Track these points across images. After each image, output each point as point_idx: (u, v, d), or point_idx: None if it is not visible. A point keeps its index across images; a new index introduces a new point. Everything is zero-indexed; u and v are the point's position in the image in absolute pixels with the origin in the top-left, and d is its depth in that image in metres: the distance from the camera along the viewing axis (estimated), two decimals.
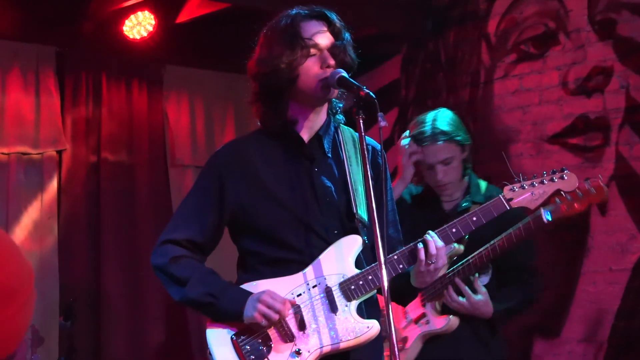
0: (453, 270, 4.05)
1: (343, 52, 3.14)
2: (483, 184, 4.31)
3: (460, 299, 4.05)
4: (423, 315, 4.15)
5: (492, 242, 3.98)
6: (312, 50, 3.09)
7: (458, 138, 4.16)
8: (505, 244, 3.96)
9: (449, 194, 4.27)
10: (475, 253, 4.01)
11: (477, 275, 4.11)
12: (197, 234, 3.19)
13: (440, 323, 4.11)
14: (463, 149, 4.18)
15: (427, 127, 4.15)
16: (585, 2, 5.53)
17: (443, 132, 4.14)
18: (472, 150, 4.23)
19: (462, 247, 4.01)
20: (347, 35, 3.19)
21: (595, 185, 3.77)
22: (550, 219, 3.82)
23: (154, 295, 5.82)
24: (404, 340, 4.19)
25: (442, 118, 4.20)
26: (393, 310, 4.11)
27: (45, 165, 5.77)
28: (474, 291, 4.01)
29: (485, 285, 4.12)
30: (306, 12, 3.18)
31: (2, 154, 5.62)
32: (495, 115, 5.92)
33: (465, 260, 4.03)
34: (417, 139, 4.19)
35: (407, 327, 4.20)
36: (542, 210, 3.84)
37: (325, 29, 3.15)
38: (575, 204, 3.80)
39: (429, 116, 4.22)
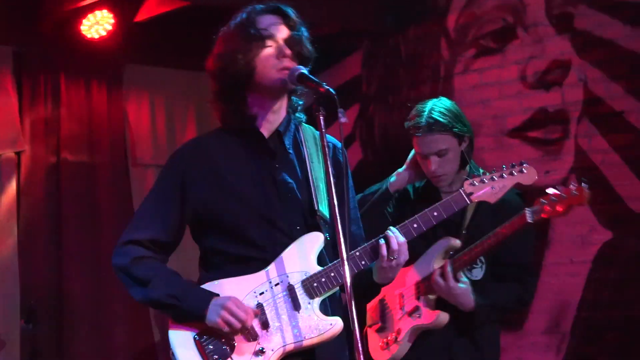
0: (451, 262, 4.04)
1: (299, 43, 3.16)
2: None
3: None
4: (416, 309, 4.14)
5: (482, 238, 4.00)
6: (268, 42, 3.11)
7: (455, 129, 4.12)
8: (492, 241, 3.98)
9: (446, 186, 4.24)
10: (466, 249, 4.04)
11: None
12: (158, 234, 3.19)
13: (430, 318, 4.11)
14: (460, 140, 4.14)
15: (423, 117, 4.11)
16: None
17: (438, 123, 4.10)
18: (471, 142, 4.20)
19: (458, 242, 4.08)
20: (303, 29, 3.21)
21: (578, 188, 3.76)
22: (532, 220, 3.86)
23: (117, 295, 5.77)
24: (398, 332, 4.19)
25: (439, 108, 4.15)
26: (390, 301, 4.15)
27: (3, 166, 5.73)
28: (457, 281, 4.01)
29: (477, 280, 4.14)
30: (261, 7, 3.20)
31: None
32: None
33: (458, 253, 4.05)
34: (414, 128, 4.17)
35: (402, 318, 4.19)
36: (526, 210, 3.88)
37: (280, 22, 3.18)
38: (557, 206, 3.84)
39: (427, 105, 4.18)
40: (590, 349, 5.27)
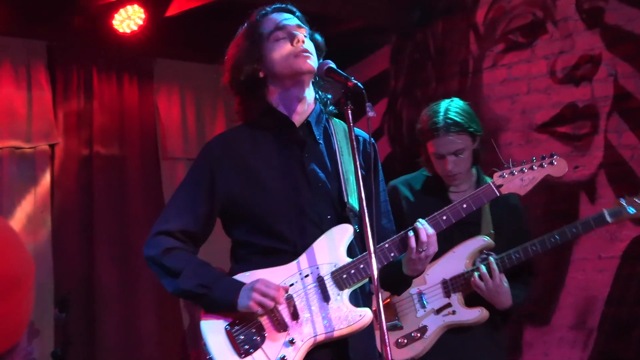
0: (486, 260, 4.05)
1: (314, 38, 3.24)
2: (489, 180, 4.30)
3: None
4: (448, 305, 4.14)
5: (541, 239, 3.99)
6: (279, 34, 3.17)
7: (470, 129, 4.13)
8: (559, 243, 3.99)
9: (457, 185, 4.25)
10: (518, 248, 4.02)
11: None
12: (189, 225, 3.21)
13: (472, 314, 4.12)
14: (474, 139, 4.14)
15: (440, 118, 4.11)
16: None
17: (456, 123, 4.11)
18: (482, 141, 4.18)
19: (492, 242, 4.10)
20: (317, 36, 3.28)
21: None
22: (612, 221, 3.88)
23: (147, 285, 5.85)
24: (423, 329, 4.17)
25: (454, 108, 4.15)
26: (403, 299, 4.15)
27: (37, 159, 5.78)
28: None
29: None
30: (268, 9, 3.26)
31: None
32: (484, 105, 5.91)
33: (508, 253, 4.03)
34: (430, 129, 4.15)
35: (427, 316, 4.18)
36: (605, 212, 3.89)
37: (290, 16, 3.24)
38: (619, 217, 3.89)
39: (442, 106, 4.17)
40: (617, 345, 5.25)
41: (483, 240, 4.08)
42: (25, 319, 1.43)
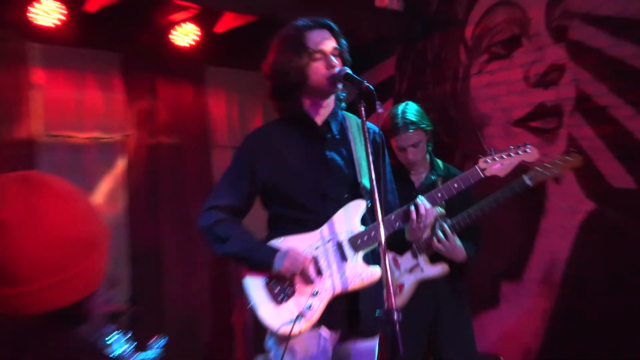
0: (440, 225, 4.15)
1: (342, 54, 3.27)
2: (440, 162, 4.41)
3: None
4: (417, 265, 4.25)
5: (480, 204, 4.12)
6: (318, 55, 3.20)
7: (423, 126, 4.25)
8: (492, 207, 4.10)
9: (416, 170, 4.33)
10: (463, 213, 4.14)
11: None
12: (234, 201, 3.30)
13: (436, 270, 4.24)
14: (427, 133, 4.25)
15: (399, 119, 4.23)
16: (543, 12, 5.54)
17: (412, 122, 4.23)
18: (433, 134, 4.33)
19: (442, 210, 4.20)
20: (343, 41, 3.31)
21: (573, 155, 4.00)
22: (530, 184, 3.98)
23: (200, 248, 5.95)
24: (400, 287, 4.26)
25: (409, 111, 4.29)
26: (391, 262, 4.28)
27: (114, 147, 5.89)
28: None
29: None
30: (310, 23, 3.27)
31: (82, 138, 5.72)
32: (471, 104, 6.00)
33: (457, 218, 4.15)
34: (392, 128, 4.25)
35: (402, 276, 4.24)
36: (524, 177, 3.98)
37: (328, 35, 3.25)
38: (555, 170, 4.00)
39: (399, 109, 4.31)
40: (573, 296, 5.34)
41: (436, 210, 4.09)
42: (101, 273, 1.45)
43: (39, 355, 1.33)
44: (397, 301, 4.20)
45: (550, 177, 4.05)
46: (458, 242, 4.17)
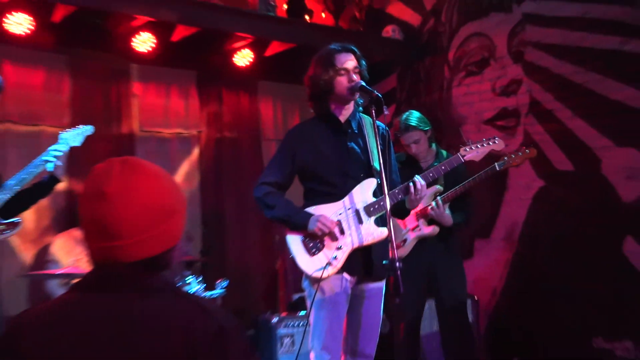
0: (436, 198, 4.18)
1: (362, 71, 3.27)
2: (444, 152, 4.48)
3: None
4: (417, 226, 4.25)
5: (462, 184, 4.13)
6: (342, 72, 3.20)
7: (421, 127, 4.30)
8: (471, 185, 4.12)
9: (423, 159, 4.38)
10: (451, 190, 4.15)
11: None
12: (279, 179, 3.31)
13: (429, 230, 4.23)
14: (426, 132, 4.29)
15: (402, 124, 4.29)
16: (506, 41, 5.57)
17: (412, 126, 4.28)
18: (434, 132, 4.39)
19: (441, 187, 4.23)
20: (363, 61, 3.30)
21: (530, 149, 4.04)
22: (499, 169, 4.03)
23: (254, 214, 5.86)
24: (404, 241, 4.27)
25: (411, 117, 4.32)
26: (397, 224, 4.27)
27: (191, 140, 5.91)
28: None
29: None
30: (338, 48, 3.27)
31: (168, 133, 5.77)
32: (453, 109, 6.00)
33: (447, 192, 4.16)
34: (400, 130, 4.31)
35: (406, 233, 4.26)
36: (495, 164, 4.03)
37: (351, 57, 3.24)
38: (517, 160, 4.03)
39: (404, 116, 4.34)
40: (528, 250, 5.38)
41: (436, 187, 4.20)
42: (180, 232, 1.44)
43: (133, 292, 1.33)
44: (401, 252, 4.26)
45: (513, 165, 4.10)
46: (447, 211, 4.20)
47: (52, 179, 3.35)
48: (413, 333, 4.48)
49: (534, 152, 4.09)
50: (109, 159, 1.43)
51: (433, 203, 4.16)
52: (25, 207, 3.32)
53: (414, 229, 4.27)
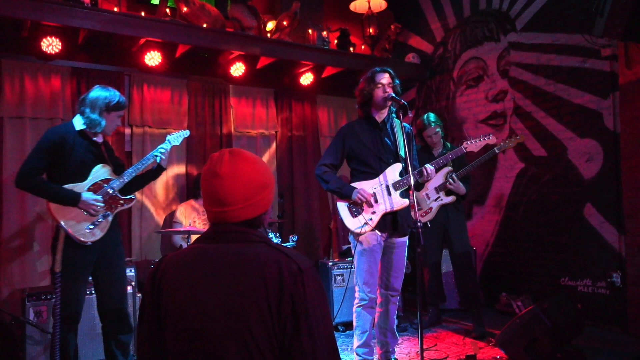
0: (450, 176, 4.16)
1: (395, 86, 3.25)
2: (448, 144, 4.47)
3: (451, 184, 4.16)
4: (439, 197, 4.21)
5: (472, 164, 4.13)
6: (379, 85, 3.20)
7: (438, 123, 4.28)
8: (478, 165, 4.13)
9: (436, 148, 4.35)
10: (463, 169, 4.15)
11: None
12: (333, 161, 3.29)
13: (449, 199, 4.22)
14: (440, 127, 4.28)
15: (425, 121, 4.27)
16: (495, 62, 5.44)
17: (433, 121, 4.25)
18: (443, 128, 4.39)
19: (451, 168, 4.21)
20: (397, 79, 3.29)
21: (520, 136, 4.04)
22: (498, 152, 4.05)
23: (315, 187, 5.91)
24: (429, 209, 4.23)
25: (431, 116, 4.30)
26: (422, 195, 4.33)
27: (270, 137, 5.86)
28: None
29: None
30: (379, 69, 3.26)
31: (254, 132, 5.70)
32: (457, 112, 5.88)
33: (459, 172, 4.16)
34: (423, 126, 4.30)
35: (431, 203, 4.21)
36: (494, 148, 4.02)
37: (387, 76, 3.23)
38: (511, 144, 4.02)
39: (425, 116, 4.33)
40: (511, 213, 5.27)
41: (447, 168, 4.19)
42: (270, 201, 1.42)
43: (239, 242, 1.35)
44: (429, 217, 4.26)
45: (508, 148, 4.09)
46: (461, 184, 4.20)
47: (159, 168, 3.32)
48: (437, 272, 4.46)
49: (523, 137, 4.08)
50: (221, 149, 1.42)
51: (450, 179, 4.12)
52: (138, 188, 3.28)
53: (436, 199, 4.22)
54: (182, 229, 3.98)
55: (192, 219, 4.73)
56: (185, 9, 4.63)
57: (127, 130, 4.89)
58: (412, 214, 3.26)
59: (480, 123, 5.58)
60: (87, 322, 3.49)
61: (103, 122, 2.97)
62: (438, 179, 4.23)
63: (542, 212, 4.93)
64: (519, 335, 3.25)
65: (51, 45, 4.29)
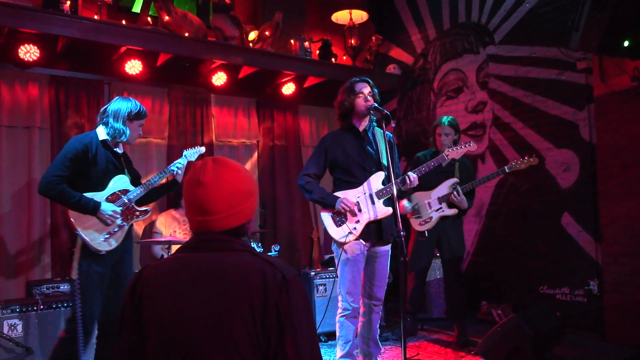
0: (455, 188, 4.04)
1: (374, 95, 3.24)
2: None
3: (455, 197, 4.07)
4: (440, 208, 4.10)
5: (478, 180, 4.03)
6: (360, 95, 3.19)
7: (454, 125, 4.26)
8: (484, 182, 4.06)
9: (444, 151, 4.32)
10: (469, 184, 4.04)
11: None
12: (316, 171, 3.28)
13: (451, 211, 4.10)
14: (455, 133, 4.25)
15: (441, 121, 4.24)
16: (474, 74, 5.50)
17: (449, 121, 4.26)
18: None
19: (457, 180, 4.09)
20: (375, 89, 3.28)
21: (534, 158, 3.89)
22: (508, 171, 3.90)
23: (298, 197, 5.85)
24: (430, 218, 4.12)
25: (450, 117, 4.28)
26: (422, 205, 4.20)
27: (252, 147, 5.83)
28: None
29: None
30: (358, 79, 3.25)
31: (236, 142, 5.67)
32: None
33: (465, 186, 4.04)
34: (438, 124, 4.27)
35: (432, 212, 4.12)
36: (505, 167, 3.91)
37: (367, 86, 3.23)
38: (522, 165, 3.89)
39: (441, 117, 4.29)
40: (492, 222, 5.31)
41: (454, 179, 4.12)
42: (254, 209, 1.41)
43: (223, 252, 1.33)
44: (428, 226, 4.16)
45: (519, 170, 3.95)
46: (465, 198, 4.07)
47: (174, 182, 3.41)
48: (422, 280, 4.42)
49: (536, 161, 3.91)
50: (204, 158, 1.40)
51: (455, 192, 4.01)
52: (153, 200, 3.37)
53: (437, 210, 4.12)
54: (162, 239, 3.92)
55: (172, 228, 4.66)
56: (167, 17, 4.61)
57: None
58: (396, 222, 3.25)
59: (461, 133, 5.61)
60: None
61: (128, 131, 3.05)
62: (443, 189, 4.13)
63: (521, 220, 4.96)
64: (500, 343, 3.27)
65: (29, 52, 4.23)
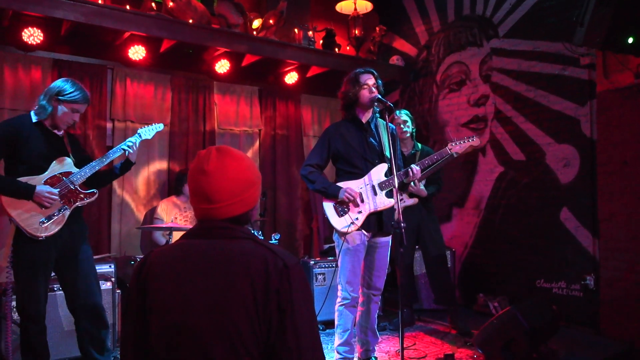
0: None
1: (379, 87, 3.25)
2: (420, 145, 4.42)
3: (412, 186, 4.14)
4: (402, 199, 4.16)
5: (428, 168, 3.89)
6: (365, 86, 3.19)
7: (409, 116, 4.31)
8: (437, 168, 3.98)
9: (405, 145, 4.35)
10: (427, 170, 3.98)
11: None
12: (319, 161, 3.29)
13: (411, 201, 4.21)
14: (412, 125, 4.31)
15: (397, 111, 4.28)
16: (478, 67, 5.49)
17: (404, 112, 4.32)
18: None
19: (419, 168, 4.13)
20: (379, 81, 3.29)
21: (475, 139, 3.72)
22: (454, 157, 3.61)
23: (297, 186, 5.90)
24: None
25: (403, 110, 4.33)
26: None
27: (254, 135, 5.82)
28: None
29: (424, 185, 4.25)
30: (362, 70, 3.25)
31: (238, 130, 5.66)
32: (439, 115, 5.92)
33: (418, 164, 4.06)
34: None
35: (399, 202, 4.21)
36: (453, 153, 3.60)
37: (371, 77, 3.23)
38: (464, 145, 3.63)
39: (401, 112, 4.32)
40: (490, 215, 5.32)
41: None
42: (257, 198, 1.41)
43: (226, 239, 1.34)
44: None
45: (465, 151, 3.65)
46: (422, 186, 4.19)
47: (128, 162, 3.16)
48: (409, 274, 4.49)
49: (477, 141, 3.61)
50: (209, 147, 1.41)
51: (412, 183, 4.05)
52: (105, 183, 3.16)
53: (400, 200, 4.19)
54: (162, 225, 3.92)
55: (173, 215, 4.67)
56: (171, 3, 4.58)
57: (109, 125, 4.80)
58: (395, 214, 3.28)
59: (461, 126, 5.60)
60: (55, 320, 3.33)
61: (49, 110, 2.80)
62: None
63: (520, 214, 4.98)
64: (496, 335, 3.29)
65: (32, 35, 4.21)
